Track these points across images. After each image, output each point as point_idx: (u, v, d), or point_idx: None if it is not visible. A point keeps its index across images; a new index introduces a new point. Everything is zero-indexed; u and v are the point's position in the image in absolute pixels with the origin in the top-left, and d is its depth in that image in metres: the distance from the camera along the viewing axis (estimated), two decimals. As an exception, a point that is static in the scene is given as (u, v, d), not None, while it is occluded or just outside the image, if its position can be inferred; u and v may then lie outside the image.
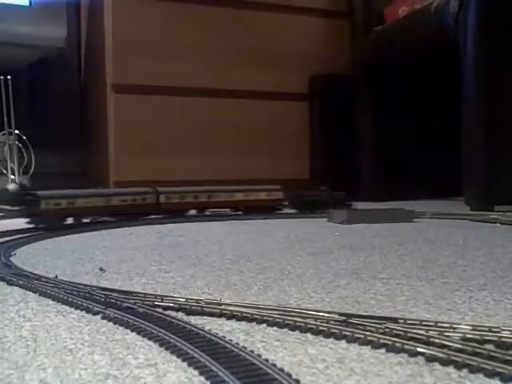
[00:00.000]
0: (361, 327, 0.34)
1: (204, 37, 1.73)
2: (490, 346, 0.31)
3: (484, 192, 1.25)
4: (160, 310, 0.40)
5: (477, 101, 1.27)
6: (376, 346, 0.32)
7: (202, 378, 0.27)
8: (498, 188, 1.26)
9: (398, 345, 0.31)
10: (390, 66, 1.70)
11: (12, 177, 1.42)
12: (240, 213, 1.22)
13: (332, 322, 0.35)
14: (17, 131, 1.46)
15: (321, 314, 0.36)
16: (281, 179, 1.80)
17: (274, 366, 0.27)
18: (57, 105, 1.88)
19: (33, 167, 1.49)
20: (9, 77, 1.42)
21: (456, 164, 1.31)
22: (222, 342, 0.31)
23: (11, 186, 1.38)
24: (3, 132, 1.45)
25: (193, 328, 0.34)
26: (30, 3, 1.65)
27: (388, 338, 0.32)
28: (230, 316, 0.39)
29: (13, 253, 0.69)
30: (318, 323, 0.35)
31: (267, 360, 0.28)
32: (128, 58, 1.66)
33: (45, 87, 1.87)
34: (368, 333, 0.33)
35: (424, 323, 0.34)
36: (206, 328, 0.34)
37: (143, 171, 1.67)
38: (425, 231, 0.94)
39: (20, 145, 1.48)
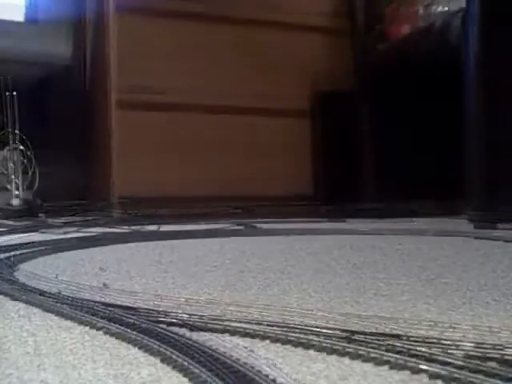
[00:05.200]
0: (364, 344, 0.34)
1: (207, 54, 1.75)
2: (492, 364, 0.31)
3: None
4: (163, 325, 0.39)
5: (478, 122, 1.28)
6: (379, 362, 0.32)
7: (204, 394, 0.27)
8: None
9: (400, 362, 0.31)
10: (392, 83, 1.71)
11: (16, 192, 1.42)
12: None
13: (335, 339, 0.35)
14: (21, 147, 1.47)
15: (324, 330, 0.36)
16: (283, 196, 1.81)
17: (274, 381, 0.27)
18: (62, 121, 1.89)
19: (37, 182, 1.49)
20: (14, 93, 1.43)
21: (457, 178, 1.32)
22: (224, 358, 0.31)
23: (15, 202, 1.38)
24: (8, 148, 1.45)
25: (195, 344, 0.34)
26: (36, 21, 1.66)
27: (391, 354, 0.32)
28: (233, 332, 0.38)
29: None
30: (321, 339, 0.35)
31: (267, 376, 0.28)
32: (132, 75, 1.67)
33: (50, 104, 1.89)
34: (371, 349, 0.33)
35: (427, 340, 0.34)
36: (209, 344, 0.34)
37: (146, 186, 1.68)
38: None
39: (25, 161, 1.49)
